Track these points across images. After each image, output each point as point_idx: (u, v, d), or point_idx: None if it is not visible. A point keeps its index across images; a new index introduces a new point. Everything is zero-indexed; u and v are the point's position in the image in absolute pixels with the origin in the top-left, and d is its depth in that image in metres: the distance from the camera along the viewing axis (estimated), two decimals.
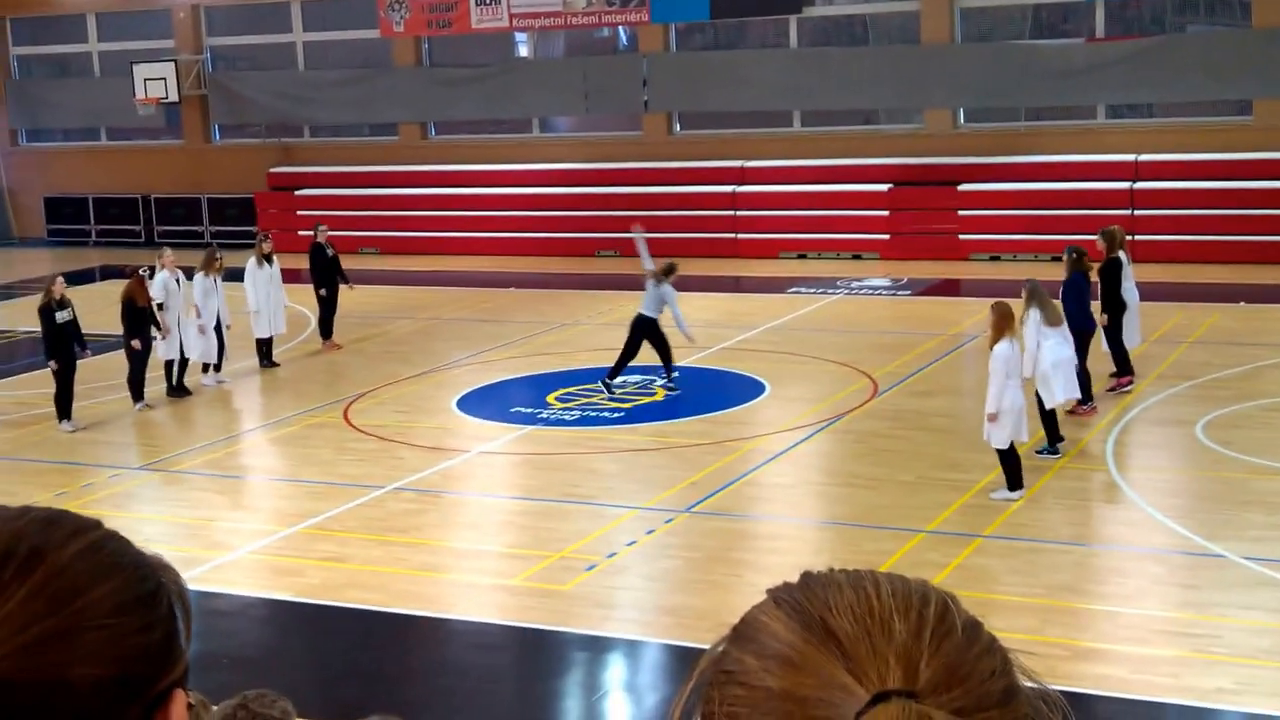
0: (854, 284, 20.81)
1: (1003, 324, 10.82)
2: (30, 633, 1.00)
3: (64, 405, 14.29)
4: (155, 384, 15.78)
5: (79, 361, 14.44)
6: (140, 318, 14.92)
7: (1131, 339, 14.14)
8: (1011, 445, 10.85)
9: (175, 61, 27.60)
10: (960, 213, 22.45)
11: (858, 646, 0.94)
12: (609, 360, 14.63)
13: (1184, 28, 22.74)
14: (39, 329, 14.56)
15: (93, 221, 29.56)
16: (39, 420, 14.51)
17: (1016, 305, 11.76)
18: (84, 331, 14.71)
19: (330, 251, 17.88)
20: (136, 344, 14.84)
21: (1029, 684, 0.97)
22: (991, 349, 10.87)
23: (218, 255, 16.41)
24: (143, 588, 1.07)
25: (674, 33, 25.02)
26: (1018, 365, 10.92)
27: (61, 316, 14.18)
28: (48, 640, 1.01)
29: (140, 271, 15.40)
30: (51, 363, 14.16)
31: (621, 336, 14.60)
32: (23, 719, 0.99)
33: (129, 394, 15.11)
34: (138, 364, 14.96)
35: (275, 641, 9.44)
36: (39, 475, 13.00)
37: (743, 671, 0.95)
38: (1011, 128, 23.21)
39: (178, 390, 15.69)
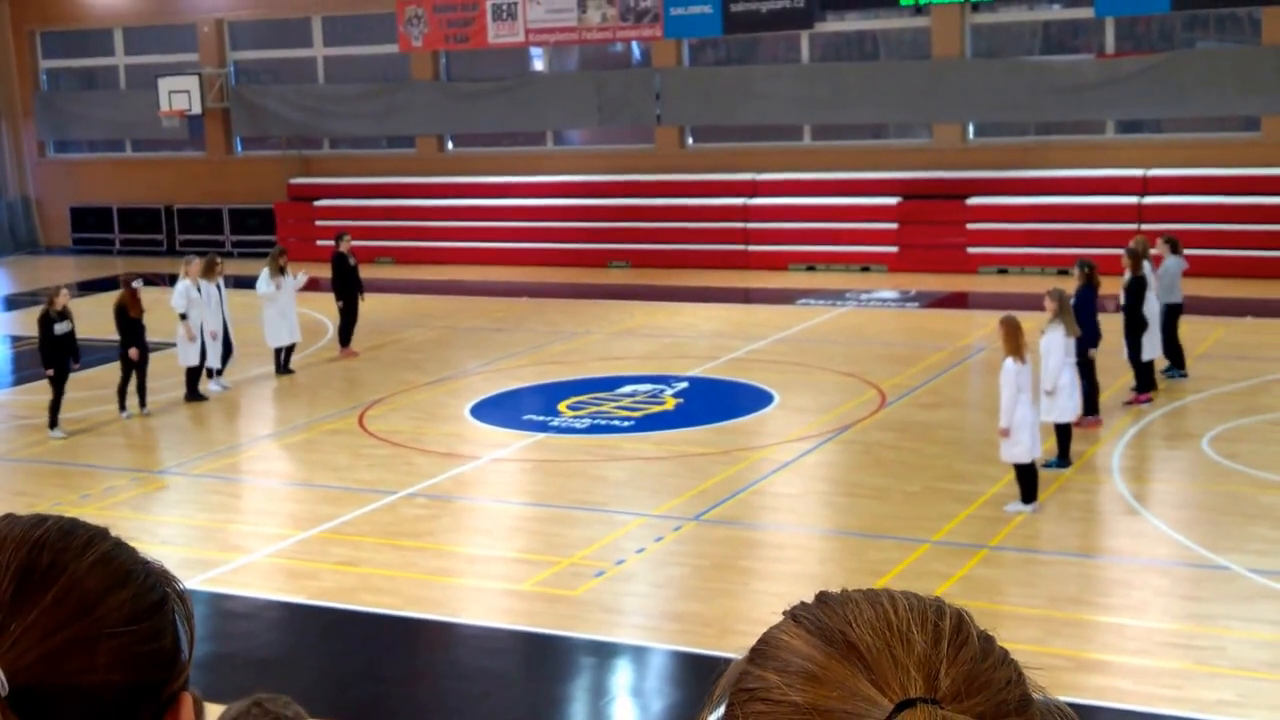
0: (863, 296, 20.91)
1: (1010, 339, 10.82)
2: (53, 641, 1.04)
3: (55, 413, 14.45)
4: (172, 390, 15.99)
5: (71, 374, 14.55)
6: (133, 328, 15.06)
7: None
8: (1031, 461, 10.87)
9: (199, 75, 27.89)
10: (969, 226, 22.55)
11: (879, 658, 0.95)
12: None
13: (1193, 44, 22.81)
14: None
15: (117, 231, 29.83)
16: (62, 425, 14.68)
17: (1031, 318, 11.84)
18: (100, 339, 14.91)
19: (352, 261, 18.11)
20: (134, 353, 14.97)
21: (1039, 697, 1.01)
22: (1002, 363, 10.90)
23: (218, 261, 16.63)
24: (152, 596, 1.11)
25: (686, 48, 25.20)
26: (1028, 379, 10.87)
27: (60, 328, 14.38)
28: (69, 648, 1.04)
29: (133, 284, 15.58)
30: (49, 371, 14.38)
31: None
32: None
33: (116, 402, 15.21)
34: (126, 373, 15.08)
35: (289, 643, 9.57)
36: (63, 478, 13.18)
37: (765, 688, 0.96)
38: (1020, 142, 23.32)
39: (195, 396, 15.89)
